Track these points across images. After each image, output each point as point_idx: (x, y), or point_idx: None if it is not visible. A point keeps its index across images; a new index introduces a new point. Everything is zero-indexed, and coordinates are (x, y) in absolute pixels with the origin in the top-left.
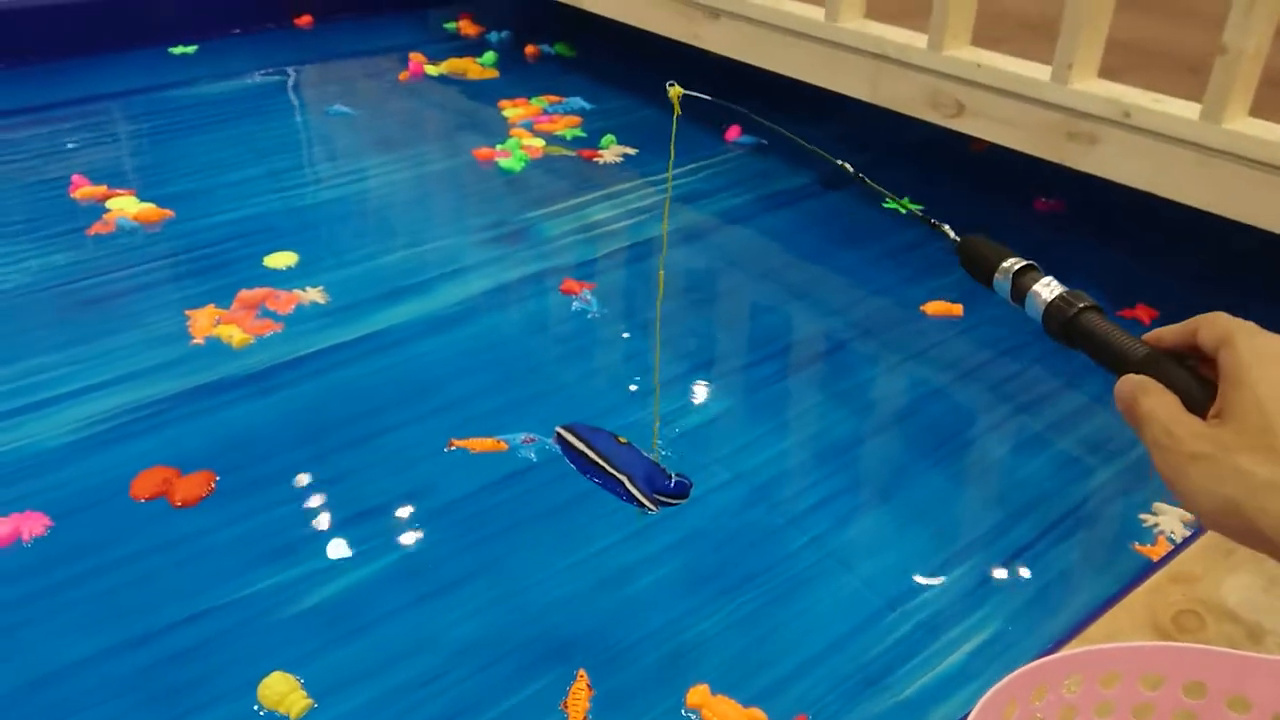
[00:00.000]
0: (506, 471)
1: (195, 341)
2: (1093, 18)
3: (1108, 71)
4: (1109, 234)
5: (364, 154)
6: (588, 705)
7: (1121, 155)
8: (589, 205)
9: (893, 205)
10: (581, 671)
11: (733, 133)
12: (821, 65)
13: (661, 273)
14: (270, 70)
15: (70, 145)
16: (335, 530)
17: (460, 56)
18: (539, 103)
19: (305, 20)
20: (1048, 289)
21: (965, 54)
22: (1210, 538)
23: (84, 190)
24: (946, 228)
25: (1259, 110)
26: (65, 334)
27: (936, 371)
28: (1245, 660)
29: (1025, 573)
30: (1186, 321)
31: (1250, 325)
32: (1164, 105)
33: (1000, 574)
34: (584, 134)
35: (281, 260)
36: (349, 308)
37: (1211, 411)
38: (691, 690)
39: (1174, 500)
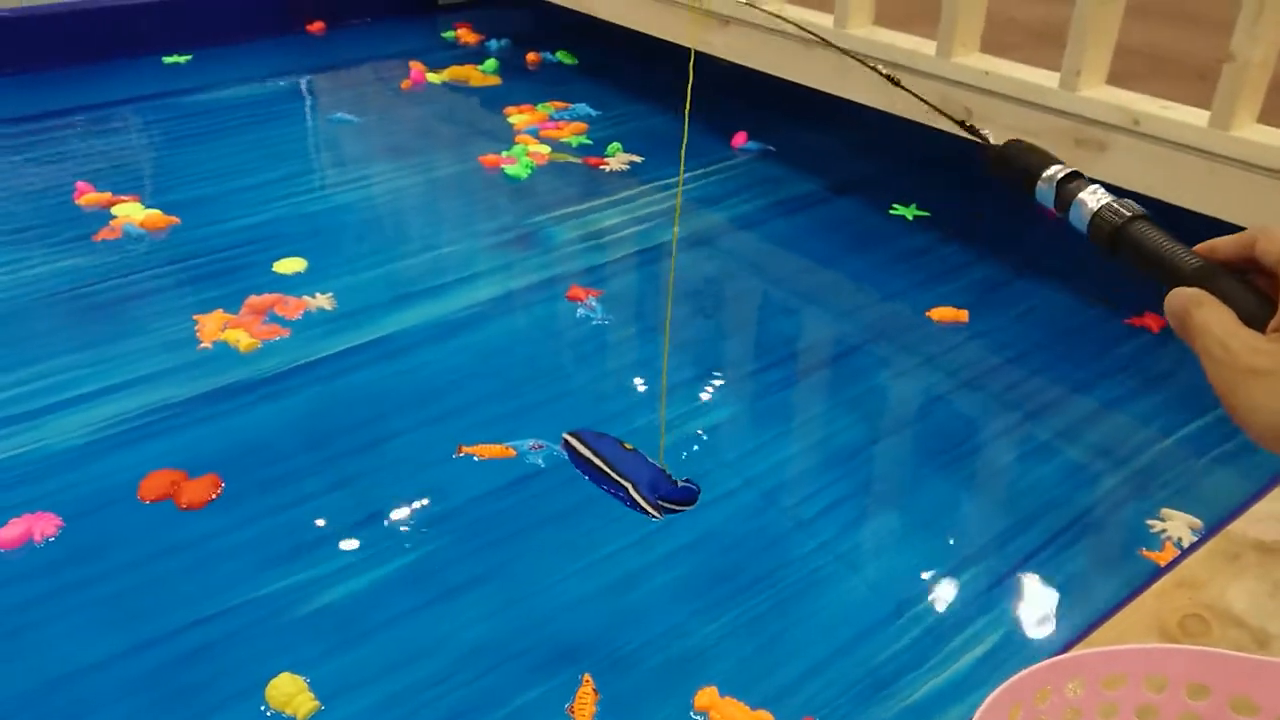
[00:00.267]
0: (514, 477)
1: (204, 346)
2: (1101, 24)
3: (1116, 78)
4: None
5: (370, 160)
6: (594, 710)
7: (1130, 162)
8: (595, 212)
9: (900, 212)
10: (587, 676)
11: (739, 139)
12: (832, 72)
13: (672, 276)
14: (274, 77)
15: (75, 152)
16: (343, 534)
17: (461, 64)
18: (544, 109)
19: (317, 26)
20: (1094, 197)
21: (974, 61)
22: (1217, 543)
23: (88, 197)
24: (986, 131)
25: (1267, 117)
26: (75, 338)
27: (944, 377)
28: (1249, 663)
29: (1033, 578)
30: (1243, 233)
31: None
32: (1172, 112)
33: (1008, 579)
34: (590, 141)
35: (290, 266)
36: (357, 313)
37: (1271, 325)
38: (700, 692)
39: (1175, 504)
